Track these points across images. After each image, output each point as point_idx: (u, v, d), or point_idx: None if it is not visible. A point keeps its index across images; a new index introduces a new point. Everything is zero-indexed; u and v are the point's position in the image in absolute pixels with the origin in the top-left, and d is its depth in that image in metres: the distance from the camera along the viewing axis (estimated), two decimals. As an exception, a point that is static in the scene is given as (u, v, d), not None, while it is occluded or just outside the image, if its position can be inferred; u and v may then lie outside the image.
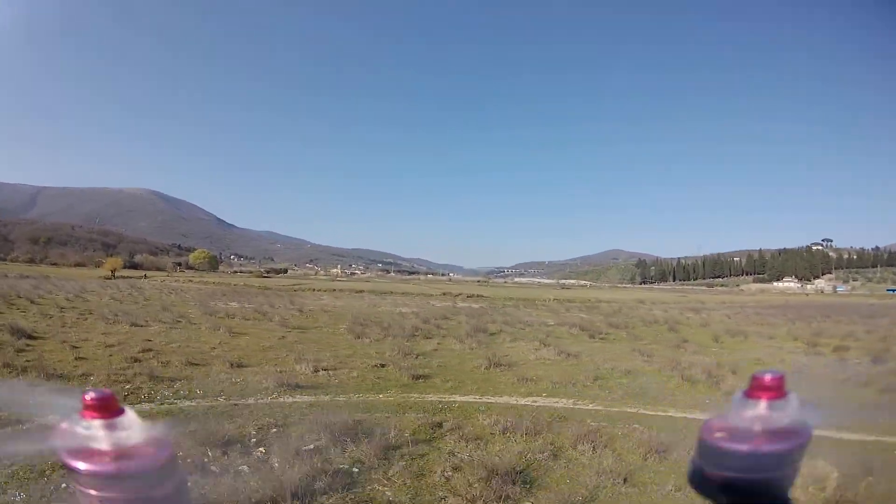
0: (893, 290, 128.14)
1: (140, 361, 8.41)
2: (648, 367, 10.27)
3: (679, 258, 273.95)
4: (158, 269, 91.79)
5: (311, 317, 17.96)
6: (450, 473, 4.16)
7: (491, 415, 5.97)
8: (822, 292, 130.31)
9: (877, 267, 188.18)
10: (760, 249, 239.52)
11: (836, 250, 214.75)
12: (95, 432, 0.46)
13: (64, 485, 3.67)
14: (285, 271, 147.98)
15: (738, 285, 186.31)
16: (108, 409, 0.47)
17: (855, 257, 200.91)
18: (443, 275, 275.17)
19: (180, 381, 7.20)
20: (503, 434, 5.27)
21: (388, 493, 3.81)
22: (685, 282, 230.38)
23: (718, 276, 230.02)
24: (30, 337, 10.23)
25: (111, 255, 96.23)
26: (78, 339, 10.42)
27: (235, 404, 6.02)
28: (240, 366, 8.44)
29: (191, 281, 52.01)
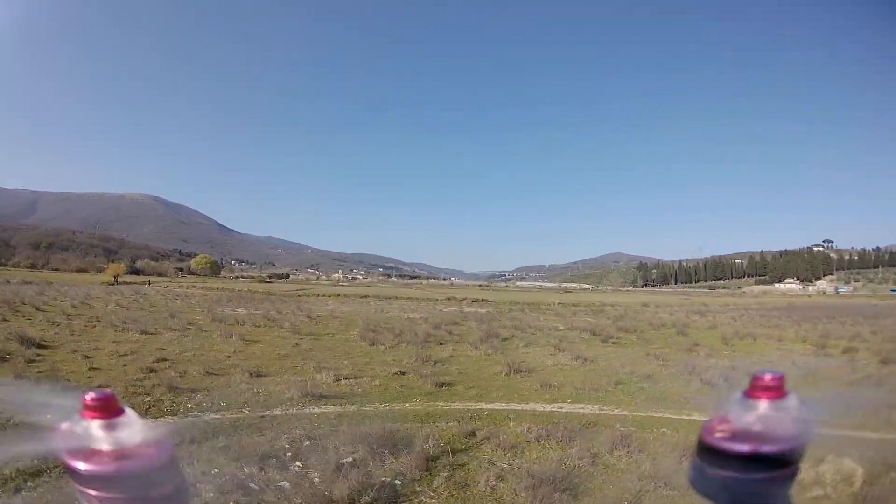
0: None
1: (156, 372, 8.28)
2: (665, 371, 10.23)
3: (680, 261, 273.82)
4: (160, 275, 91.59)
5: (320, 323, 17.88)
6: (494, 483, 4.10)
7: (521, 422, 5.92)
8: (825, 293, 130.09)
9: (878, 267, 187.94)
10: (762, 251, 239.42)
11: (837, 251, 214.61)
12: (95, 432, 0.47)
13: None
14: (287, 276, 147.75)
15: (739, 287, 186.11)
16: (108, 409, 0.48)
17: (856, 258, 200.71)
18: (444, 279, 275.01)
19: (201, 392, 7.10)
20: (538, 441, 5.24)
21: (437, 506, 3.75)
22: (687, 284, 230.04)
23: (720, 279, 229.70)
24: (39, 346, 10.10)
25: (112, 261, 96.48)
26: (89, 349, 10.29)
27: (262, 416, 5.93)
28: (258, 375, 8.34)
29: (194, 286, 51.97)
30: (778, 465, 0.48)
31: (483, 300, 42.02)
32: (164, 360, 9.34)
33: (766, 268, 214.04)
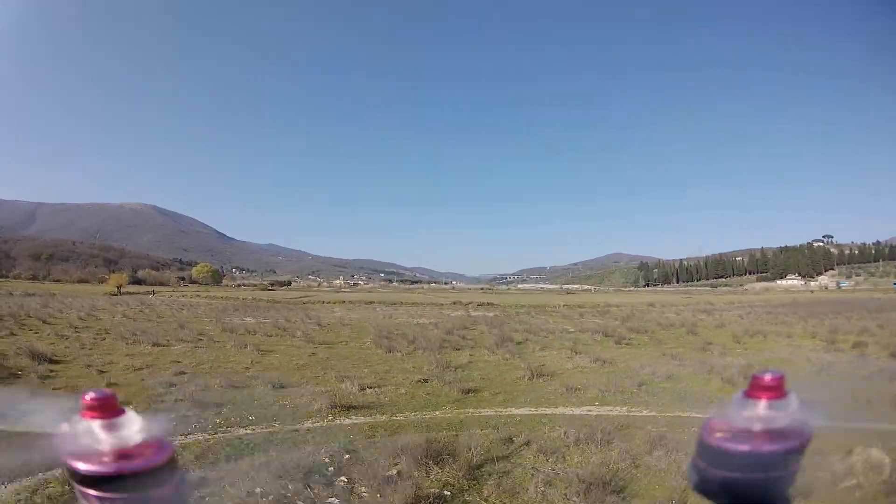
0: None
1: (177, 386, 8.10)
2: (683, 370, 10.22)
3: (681, 259, 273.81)
4: (162, 284, 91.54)
5: (332, 331, 17.82)
6: (543, 489, 4.07)
7: (555, 427, 5.89)
8: (826, 289, 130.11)
9: (878, 261, 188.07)
10: (762, 248, 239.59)
11: (838, 246, 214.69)
12: (95, 433, 0.47)
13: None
14: (289, 284, 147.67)
15: (741, 285, 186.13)
16: (108, 409, 0.48)
17: (856, 252, 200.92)
18: (446, 283, 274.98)
19: (226, 406, 6.97)
20: (576, 445, 5.21)
21: (490, 515, 3.71)
22: (689, 283, 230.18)
23: (721, 276, 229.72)
24: (51, 361, 9.85)
25: (113, 271, 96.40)
26: (103, 363, 10.11)
27: (295, 430, 5.87)
28: (281, 387, 8.25)
29: (198, 296, 51.86)
30: (778, 465, 0.49)
31: (488, 304, 42.01)
32: (183, 373, 9.23)
33: (766, 265, 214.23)
